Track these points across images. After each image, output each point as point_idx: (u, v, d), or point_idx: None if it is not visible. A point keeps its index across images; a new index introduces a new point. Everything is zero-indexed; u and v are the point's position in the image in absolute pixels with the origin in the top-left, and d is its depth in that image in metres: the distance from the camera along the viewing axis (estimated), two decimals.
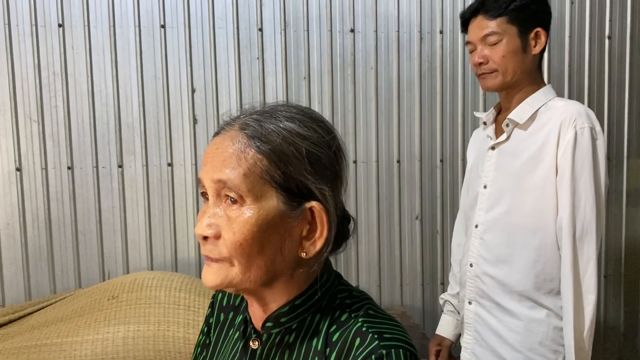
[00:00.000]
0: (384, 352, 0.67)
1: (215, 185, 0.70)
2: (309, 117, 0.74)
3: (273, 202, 0.70)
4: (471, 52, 1.54)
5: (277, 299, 0.75)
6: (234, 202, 0.70)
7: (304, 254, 0.72)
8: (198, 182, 0.74)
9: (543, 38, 1.49)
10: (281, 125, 0.71)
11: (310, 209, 0.71)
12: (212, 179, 0.70)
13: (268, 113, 0.73)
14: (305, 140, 0.71)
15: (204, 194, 0.74)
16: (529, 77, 1.51)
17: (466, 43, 1.56)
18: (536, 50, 1.49)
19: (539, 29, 1.48)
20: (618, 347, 2.47)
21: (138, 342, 1.69)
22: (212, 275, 0.71)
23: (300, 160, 0.70)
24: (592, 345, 1.42)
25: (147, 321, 1.72)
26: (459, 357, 1.66)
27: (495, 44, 1.47)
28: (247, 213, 0.69)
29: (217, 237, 0.70)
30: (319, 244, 0.72)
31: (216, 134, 0.74)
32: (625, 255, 2.44)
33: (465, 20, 1.55)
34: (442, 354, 1.74)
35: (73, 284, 2.13)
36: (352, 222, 0.79)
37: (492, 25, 1.47)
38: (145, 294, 1.80)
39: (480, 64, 1.50)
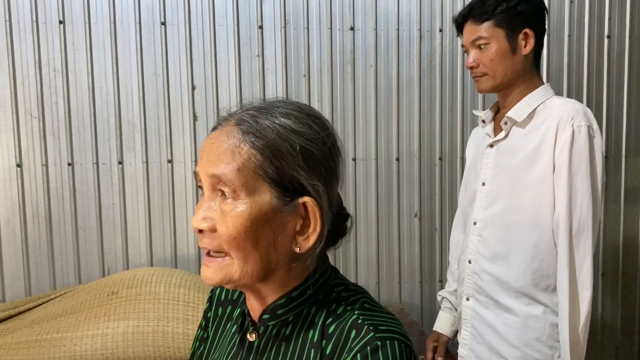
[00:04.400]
0: (379, 343, 0.68)
1: (210, 179, 0.71)
2: (305, 114, 0.74)
3: (266, 196, 0.70)
4: (467, 55, 1.56)
5: (274, 293, 0.76)
6: (228, 196, 0.71)
7: (298, 248, 0.73)
8: (195, 175, 0.75)
9: (532, 39, 1.49)
10: (276, 121, 0.71)
11: (304, 204, 0.72)
12: (207, 173, 0.71)
13: (265, 109, 0.73)
14: (299, 136, 0.71)
15: (202, 187, 0.75)
16: (522, 77, 1.51)
17: (462, 46, 1.58)
18: (526, 50, 1.49)
19: (527, 29, 1.48)
20: (615, 345, 2.48)
21: (137, 337, 1.70)
22: (212, 273, 0.72)
23: (293, 155, 0.70)
24: (587, 342, 1.43)
25: (147, 317, 1.73)
26: (456, 353, 1.67)
27: (484, 48, 1.49)
28: (240, 207, 0.70)
29: (213, 230, 0.71)
30: (312, 240, 0.73)
31: (213, 129, 0.75)
32: (622, 254, 2.44)
33: (459, 25, 1.57)
34: (439, 350, 1.74)
35: (73, 280, 2.14)
36: (349, 219, 0.80)
37: (479, 30, 1.49)
38: (145, 290, 1.80)
39: (472, 67, 1.52)
